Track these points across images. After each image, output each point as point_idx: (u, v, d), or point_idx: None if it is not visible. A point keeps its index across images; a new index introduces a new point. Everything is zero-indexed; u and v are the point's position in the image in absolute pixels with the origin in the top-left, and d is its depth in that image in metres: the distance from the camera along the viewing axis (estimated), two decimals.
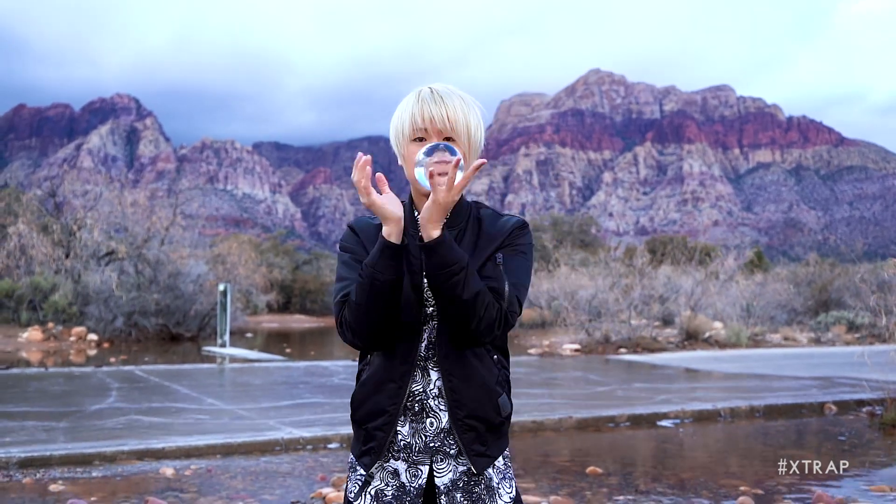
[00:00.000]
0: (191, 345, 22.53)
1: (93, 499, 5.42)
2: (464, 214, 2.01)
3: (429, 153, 1.82)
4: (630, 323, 20.15)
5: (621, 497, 5.63)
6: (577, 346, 18.51)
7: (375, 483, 1.97)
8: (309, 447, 7.38)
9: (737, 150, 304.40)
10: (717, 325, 21.09)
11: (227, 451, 7.12)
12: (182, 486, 5.96)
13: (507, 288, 1.92)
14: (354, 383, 2.07)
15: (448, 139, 1.90)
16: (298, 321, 42.33)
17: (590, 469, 6.50)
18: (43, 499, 5.46)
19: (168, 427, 7.95)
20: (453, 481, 1.94)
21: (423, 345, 1.95)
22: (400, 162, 2.00)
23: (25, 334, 21.88)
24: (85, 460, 6.63)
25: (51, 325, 22.64)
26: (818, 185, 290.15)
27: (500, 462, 2.00)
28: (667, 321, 23.67)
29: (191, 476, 6.26)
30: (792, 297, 27.65)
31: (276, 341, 25.16)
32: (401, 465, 1.95)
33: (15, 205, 26.72)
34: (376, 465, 1.97)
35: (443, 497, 1.94)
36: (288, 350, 21.31)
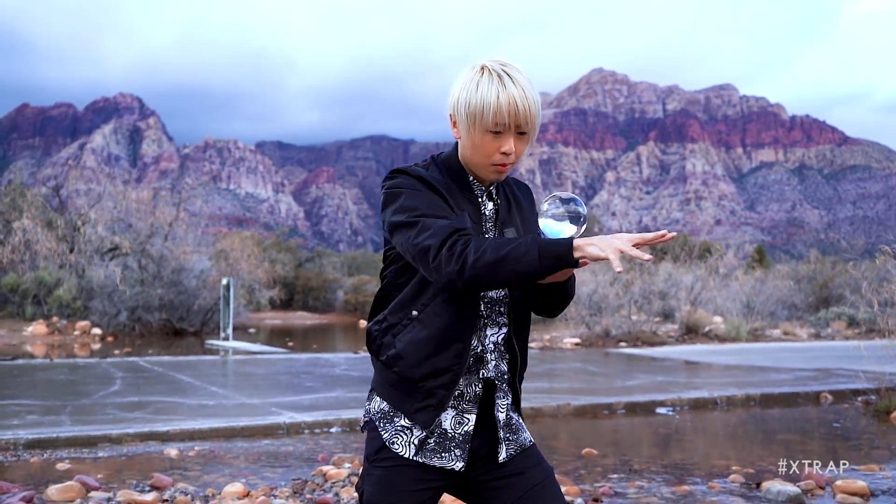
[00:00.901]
0: (194, 339, 22.67)
1: (99, 476, 5.55)
2: (503, 182, 2.13)
3: (563, 205, 1.87)
4: (630, 318, 20.26)
5: (615, 476, 5.75)
6: (577, 340, 18.62)
7: (417, 433, 2.00)
8: (310, 431, 7.51)
9: (740, 150, 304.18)
10: (717, 319, 21.20)
11: (230, 434, 7.25)
12: (186, 465, 6.10)
13: None
14: (384, 339, 2.04)
15: (521, 133, 1.97)
16: (301, 318, 42.46)
17: (585, 451, 6.62)
18: (50, 476, 5.59)
19: (172, 411, 8.09)
20: (507, 419, 2.06)
21: (483, 303, 2.03)
22: (455, 133, 2.03)
23: (30, 328, 22.05)
24: (90, 442, 6.77)
25: (55, 319, 22.80)
26: (821, 184, 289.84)
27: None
28: (667, 316, 23.78)
29: (194, 457, 6.40)
30: (792, 294, 27.75)
31: (279, 337, 25.29)
32: (447, 414, 2.01)
33: (20, 200, 26.90)
34: (440, 416, 2.01)
35: (501, 430, 2.04)
36: (290, 344, 21.44)
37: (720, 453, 6.83)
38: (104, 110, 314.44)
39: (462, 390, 2.01)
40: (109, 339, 21.72)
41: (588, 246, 1.77)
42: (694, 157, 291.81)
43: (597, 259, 1.77)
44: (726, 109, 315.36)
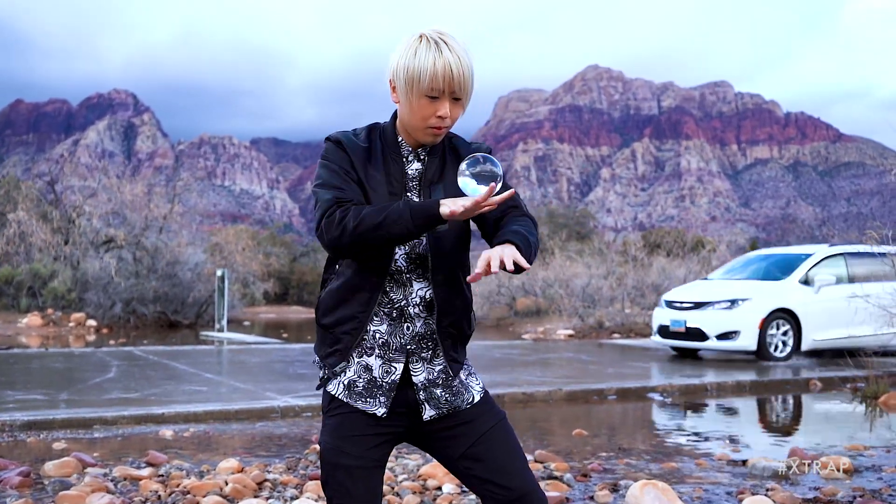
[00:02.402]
0: (189, 331, 22.72)
1: (95, 454, 5.62)
2: (440, 144, 2.22)
3: (472, 166, 1.98)
4: (624, 310, 20.36)
5: (604, 454, 5.84)
6: (570, 332, 18.72)
7: (348, 374, 2.13)
8: (305, 414, 7.59)
9: (735, 146, 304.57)
10: None
11: (225, 416, 7.33)
12: (181, 445, 6.17)
13: (520, 201, 2.21)
14: (319, 294, 2.22)
15: (456, 99, 2.06)
16: (296, 312, 42.49)
17: (576, 432, 6.71)
18: (47, 455, 5.66)
19: (167, 396, 8.16)
20: (430, 380, 2.14)
21: (405, 258, 2.12)
22: (394, 97, 2.14)
23: (25, 320, 22.07)
24: (86, 423, 6.83)
25: (50, 311, 22.83)
26: (816, 181, 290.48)
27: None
28: None
29: (189, 437, 6.47)
30: None
31: (274, 329, 25.34)
32: (375, 361, 2.12)
33: (14, 192, 26.89)
34: (348, 360, 2.14)
35: (421, 392, 2.13)
36: (285, 336, 21.51)
37: (708, 434, 6.92)
38: (98, 106, 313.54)
39: (385, 340, 2.11)
40: (104, 330, 21.76)
41: (452, 203, 1.94)
42: (689, 153, 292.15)
43: (460, 215, 1.93)
44: (721, 106, 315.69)
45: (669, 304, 13.28)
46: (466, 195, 1.98)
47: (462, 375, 2.21)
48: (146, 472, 4.96)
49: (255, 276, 33.03)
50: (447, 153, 2.21)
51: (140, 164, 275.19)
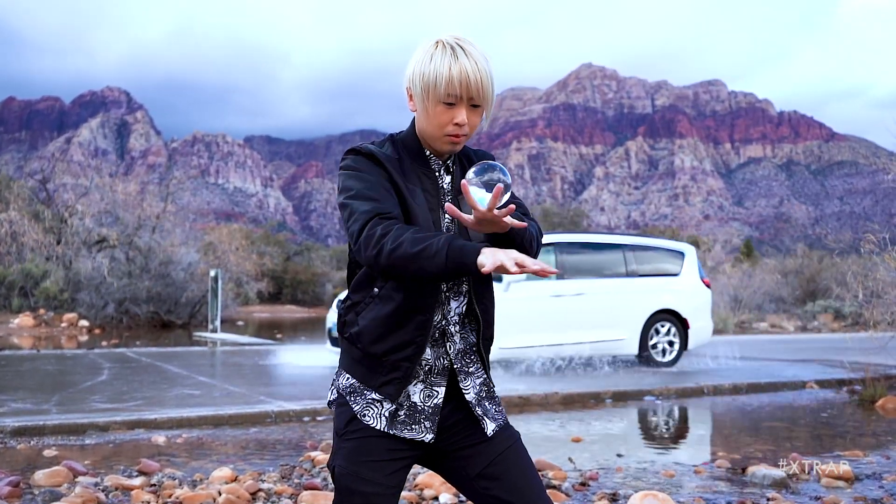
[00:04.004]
0: (182, 331, 22.60)
1: (86, 462, 5.53)
2: (455, 154, 2.16)
3: (480, 173, 1.86)
4: None
5: (602, 460, 5.78)
6: None
7: (387, 405, 2.03)
8: (299, 419, 7.51)
9: (728, 145, 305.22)
10: None
11: (218, 421, 7.24)
12: (174, 451, 6.09)
13: (535, 222, 2.15)
14: (347, 316, 2.07)
15: (475, 106, 1.99)
16: (290, 311, 42.41)
17: (573, 437, 6.66)
18: (37, 462, 5.58)
19: (159, 400, 8.08)
20: (478, 394, 2.09)
21: None
22: (411, 106, 2.07)
23: (17, 320, 21.93)
24: (78, 429, 6.74)
25: (42, 311, 22.70)
26: (808, 179, 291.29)
27: None
28: None
29: (182, 444, 6.38)
30: (780, 287, 27.90)
31: (267, 329, 25.24)
32: (416, 388, 2.05)
33: (6, 192, 26.73)
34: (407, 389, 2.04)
35: (477, 407, 2.07)
36: (279, 336, 21.41)
37: (707, 440, 6.87)
38: (91, 104, 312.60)
39: (430, 364, 2.04)
40: (97, 331, 21.64)
41: (493, 258, 1.77)
42: (682, 152, 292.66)
43: (500, 270, 1.76)
44: (715, 105, 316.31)
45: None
46: (475, 203, 1.86)
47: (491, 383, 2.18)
48: (138, 481, 4.88)
49: (248, 275, 32.91)
50: (462, 162, 2.15)
51: (133, 162, 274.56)
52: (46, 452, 5.90)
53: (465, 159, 2.15)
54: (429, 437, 2.03)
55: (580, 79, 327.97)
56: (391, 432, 2.01)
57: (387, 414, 2.02)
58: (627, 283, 11.51)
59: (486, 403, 2.10)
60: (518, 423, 7.59)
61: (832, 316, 24.01)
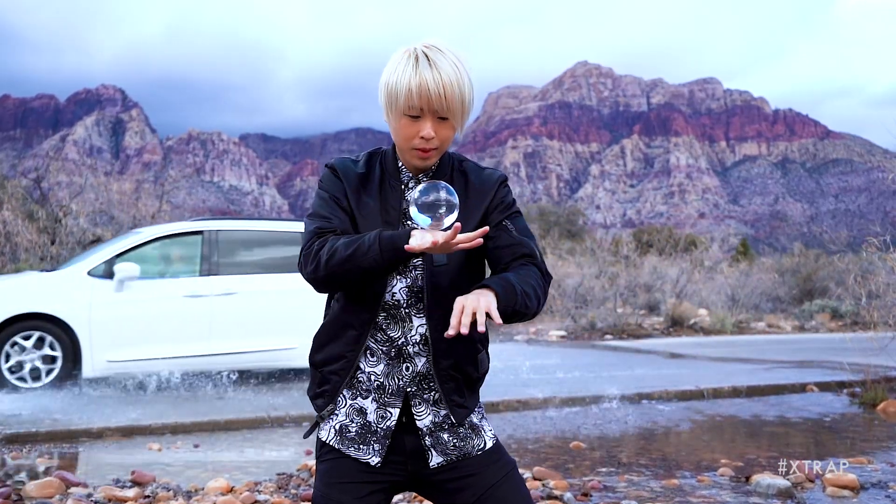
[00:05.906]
0: None
1: (79, 471, 5.44)
2: (447, 167, 2.04)
3: (424, 193, 1.80)
4: (616, 310, 20.25)
5: (604, 469, 5.71)
6: (563, 333, 18.59)
7: (340, 418, 1.99)
8: (296, 424, 7.42)
9: (723, 143, 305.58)
10: (703, 312, 21.22)
11: (214, 427, 7.15)
12: (169, 459, 5.99)
13: (535, 249, 1.99)
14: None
15: (442, 118, 1.90)
16: None
17: (573, 444, 6.58)
18: (30, 471, 5.48)
19: (155, 406, 7.97)
20: (436, 423, 1.99)
21: (406, 292, 1.96)
22: (384, 118, 1.99)
23: None
24: (71, 436, 6.64)
25: None
26: (804, 177, 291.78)
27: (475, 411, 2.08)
28: (652, 309, 23.80)
29: (178, 451, 6.29)
30: (777, 286, 27.85)
31: None
32: (370, 405, 1.97)
33: (0, 192, 26.57)
34: (340, 402, 2.00)
35: (427, 437, 1.98)
36: None
37: (708, 446, 6.80)
38: (86, 102, 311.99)
39: (382, 382, 1.96)
40: None
41: (422, 237, 1.77)
42: (678, 150, 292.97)
43: (422, 250, 1.76)
44: (710, 103, 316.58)
45: None
46: (419, 225, 1.82)
47: (475, 419, 2.05)
48: (132, 492, 4.79)
49: None
50: (455, 177, 2.04)
51: (128, 160, 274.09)
52: (39, 461, 5.81)
53: (460, 175, 2.05)
54: (375, 459, 1.96)
55: (576, 77, 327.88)
56: (339, 448, 1.98)
57: (337, 426, 1.98)
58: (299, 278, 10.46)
59: (445, 435, 1.98)
60: (515, 426, 7.51)
61: (829, 315, 23.97)
